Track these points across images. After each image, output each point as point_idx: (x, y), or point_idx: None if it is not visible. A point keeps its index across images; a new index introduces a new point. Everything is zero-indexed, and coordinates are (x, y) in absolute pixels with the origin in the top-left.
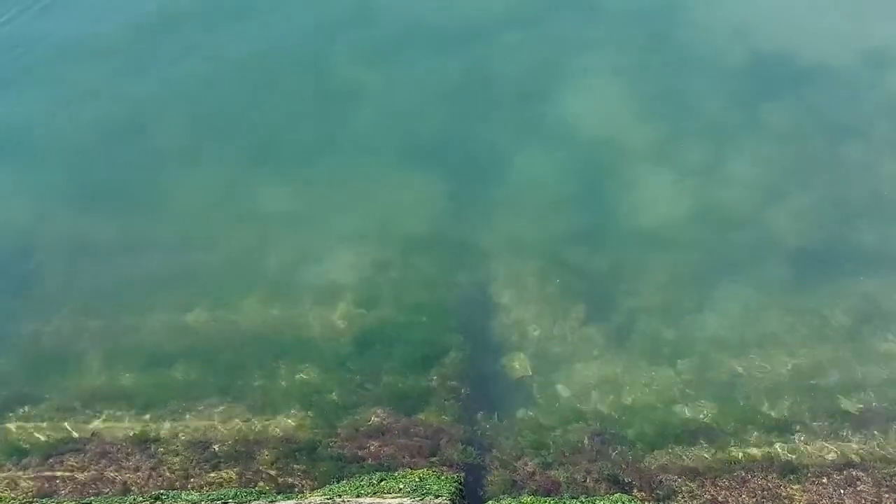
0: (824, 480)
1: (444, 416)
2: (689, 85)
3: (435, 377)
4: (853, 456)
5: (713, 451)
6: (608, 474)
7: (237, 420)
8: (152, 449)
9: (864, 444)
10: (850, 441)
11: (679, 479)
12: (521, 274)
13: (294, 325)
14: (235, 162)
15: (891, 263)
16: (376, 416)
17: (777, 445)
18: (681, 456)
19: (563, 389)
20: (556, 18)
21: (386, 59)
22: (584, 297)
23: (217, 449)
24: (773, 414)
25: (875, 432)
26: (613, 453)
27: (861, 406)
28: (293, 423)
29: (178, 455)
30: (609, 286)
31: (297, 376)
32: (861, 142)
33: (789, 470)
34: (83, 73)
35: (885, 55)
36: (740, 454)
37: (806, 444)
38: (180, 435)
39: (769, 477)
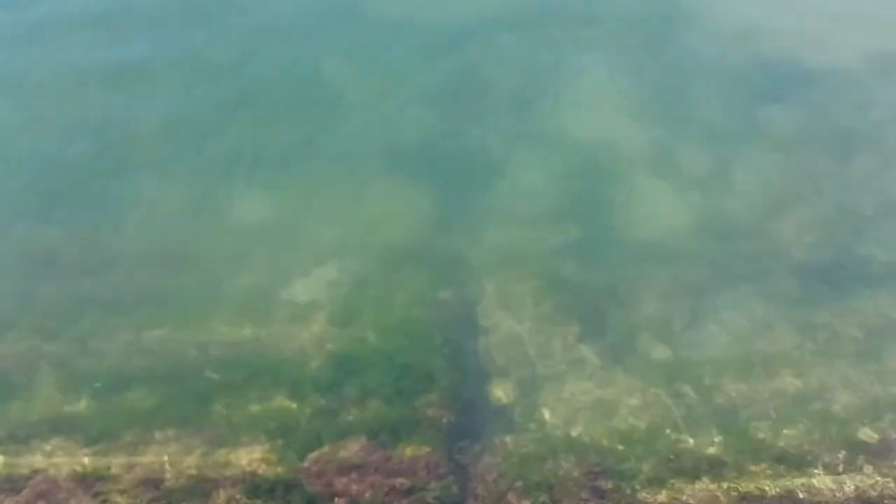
0: None
1: (424, 448)
2: (691, 90)
3: (417, 404)
4: (872, 493)
5: (718, 486)
6: None
7: (197, 453)
8: (97, 487)
9: (883, 479)
10: (868, 475)
11: None
12: (512, 290)
13: (265, 347)
14: (207, 171)
15: None
16: (349, 450)
17: (789, 480)
18: (683, 492)
19: (553, 416)
20: (552, 22)
21: (371, 61)
22: (578, 314)
23: (169, 486)
24: (783, 444)
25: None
26: (609, 490)
27: (877, 435)
28: (258, 457)
29: (124, 494)
30: (606, 303)
31: (266, 403)
32: (870, 149)
33: None
34: (43, 74)
35: (893, 60)
36: (748, 490)
37: (820, 478)
38: (132, 471)
39: None
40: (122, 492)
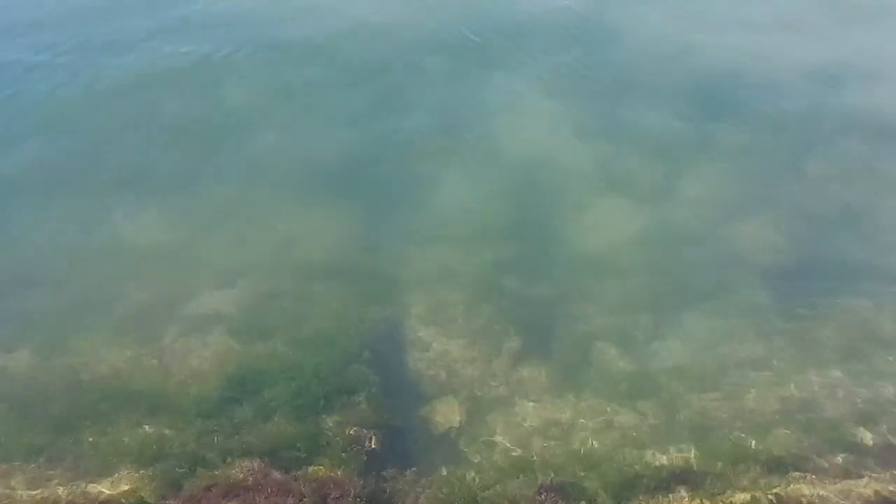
0: None
1: (337, 470)
2: (632, 106)
3: (329, 423)
4: (885, 495)
5: (700, 499)
6: None
7: (43, 485)
8: None
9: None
10: (874, 479)
11: None
12: (445, 306)
13: (149, 368)
14: (98, 192)
15: (877, 277)
16: (241, 471)
17: (785, 488)
18: None
19: (499, 439)
20: (482, 46)
21: (287, 87)
22: (522, 330)
23: None
24: (770, 451)
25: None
26: None
27: (875, 437)
28: (122, 487)
29: None
30: (551, 318)
31: (141, 429)
32: (819, 156)
33: None
34: None
35: (830, 71)
36: (738, 500)
37: (820, 484)
38: None
39: None
40: None
